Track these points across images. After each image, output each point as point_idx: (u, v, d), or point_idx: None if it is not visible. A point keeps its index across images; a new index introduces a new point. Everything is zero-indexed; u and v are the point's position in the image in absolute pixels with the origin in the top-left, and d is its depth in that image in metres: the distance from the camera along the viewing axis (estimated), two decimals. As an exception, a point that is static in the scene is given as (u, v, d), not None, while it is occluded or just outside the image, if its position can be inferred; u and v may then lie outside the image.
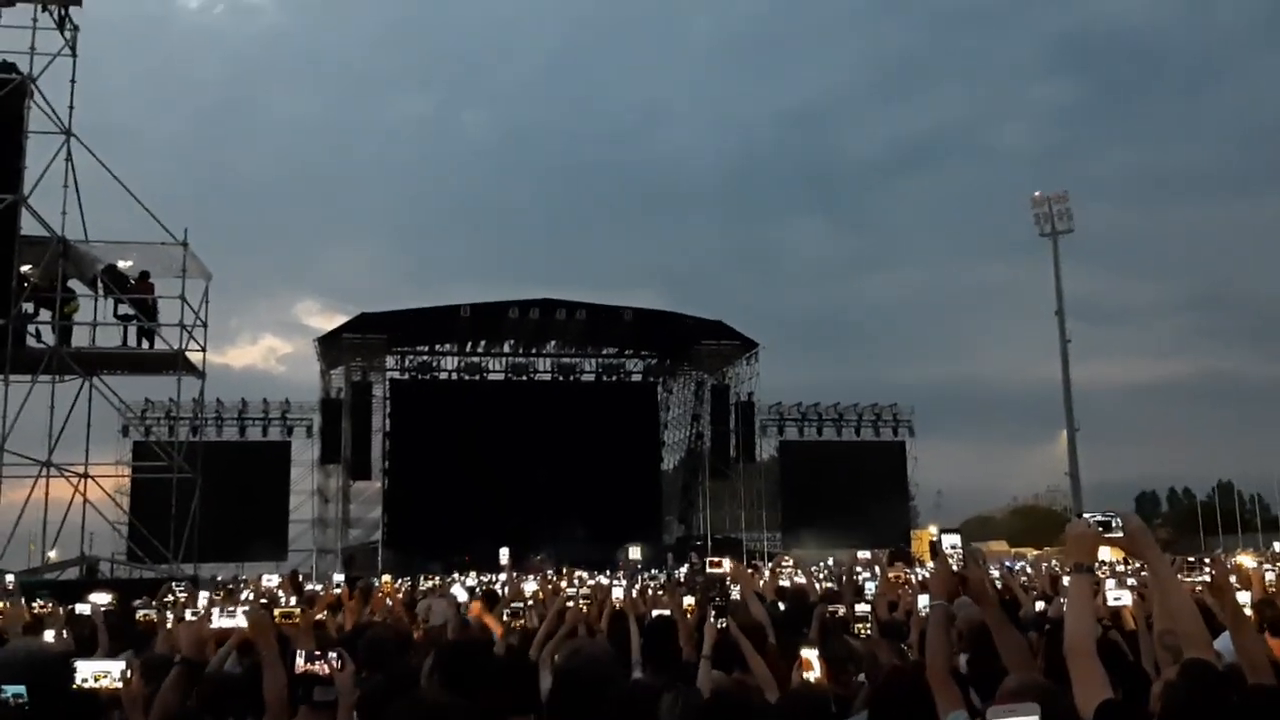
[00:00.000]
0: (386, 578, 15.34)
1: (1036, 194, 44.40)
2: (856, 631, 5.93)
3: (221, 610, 5.26)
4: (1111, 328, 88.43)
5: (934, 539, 37.60)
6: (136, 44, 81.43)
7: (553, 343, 41.32)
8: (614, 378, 43.06)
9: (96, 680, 3.95)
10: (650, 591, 12.38)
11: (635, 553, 32.40)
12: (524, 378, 41.36)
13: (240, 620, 5.01)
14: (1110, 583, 6.24)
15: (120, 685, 3.98)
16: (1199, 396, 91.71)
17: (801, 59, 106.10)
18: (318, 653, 3.91)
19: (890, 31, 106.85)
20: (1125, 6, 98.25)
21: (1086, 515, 2.96)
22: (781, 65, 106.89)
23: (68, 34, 21.54)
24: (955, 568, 4.49)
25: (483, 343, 40.93)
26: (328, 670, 3.86)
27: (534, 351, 41.64)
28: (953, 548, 4.89)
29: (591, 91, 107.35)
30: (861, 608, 6.12)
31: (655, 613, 6.89)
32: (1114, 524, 2.98)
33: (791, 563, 16.90)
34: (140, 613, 8.17)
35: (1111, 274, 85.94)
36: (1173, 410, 77.88)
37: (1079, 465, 42.63)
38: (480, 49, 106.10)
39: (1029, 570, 20.85)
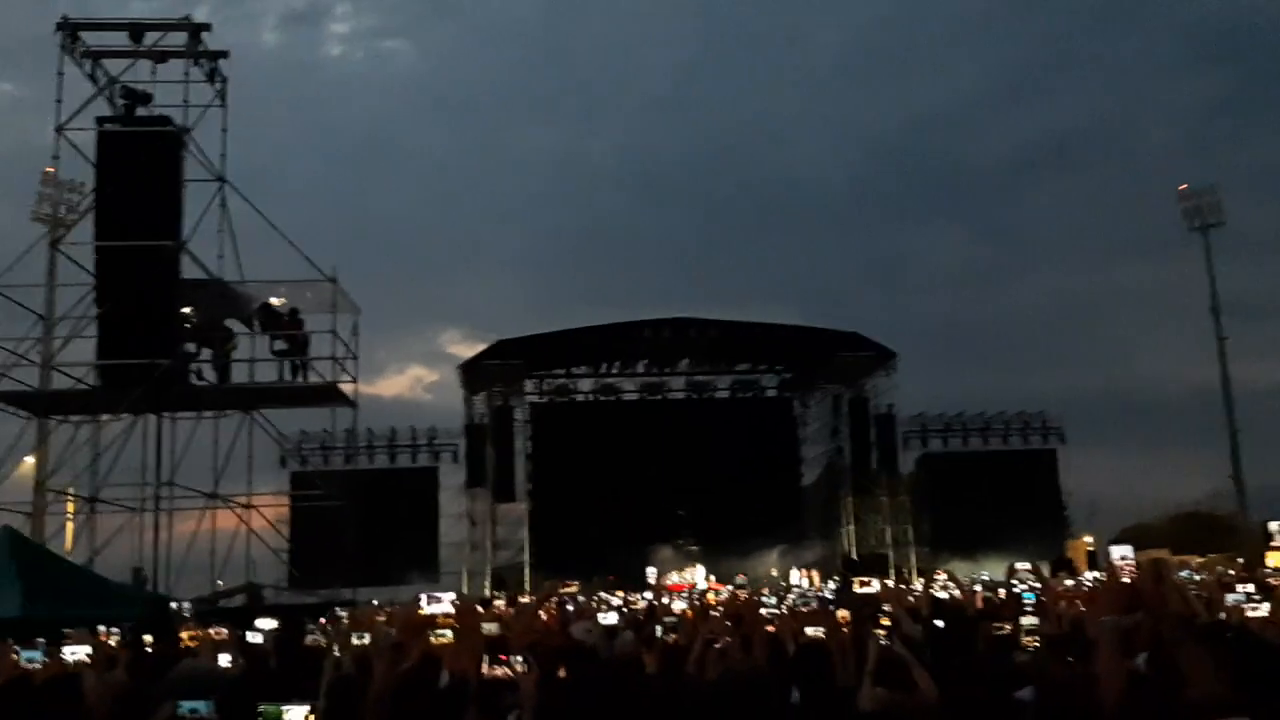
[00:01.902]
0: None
1: (1183, 187, 42.43)
2: (1025, 645, 5.74)
3: (429, 598, 5.45)
4: (1271, 323, 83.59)
5: (1090, 548, 36.18)
6: (283, 92, 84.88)
7: (685, 361, 41.32)
8: (749, 394, 42.85)
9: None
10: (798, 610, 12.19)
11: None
12: (658, 397, 41.46)
13: (447, 606, 5.17)
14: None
15: None
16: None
17: (930, 63, 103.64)
18: (503, 657, 3.98)
19: (1023, 29, 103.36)
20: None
21: None
22: (909, 71, 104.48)
23: (217, 85, 22.68)
24: (1127, 580, 4.32)
25: (617, 364, 41.27)
26: (513, 674, 3.94)
27: (667, 370, 41.72)
28: (1123, 559, 4.72)
29: (716, 111, 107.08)
30: (1028, 620, 5.92)
31: (809, 630, 6.80)
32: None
33: (945, 576, 16.43)
34: (309, 638, 8.47)
35: (1268, 268, 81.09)
36: (1344, 406, 72.93)
37: (1242, 469, 40.26)
38: (605, 78, 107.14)
39: (1195, 578, 19.82)
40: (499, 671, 3.94)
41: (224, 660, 7.32)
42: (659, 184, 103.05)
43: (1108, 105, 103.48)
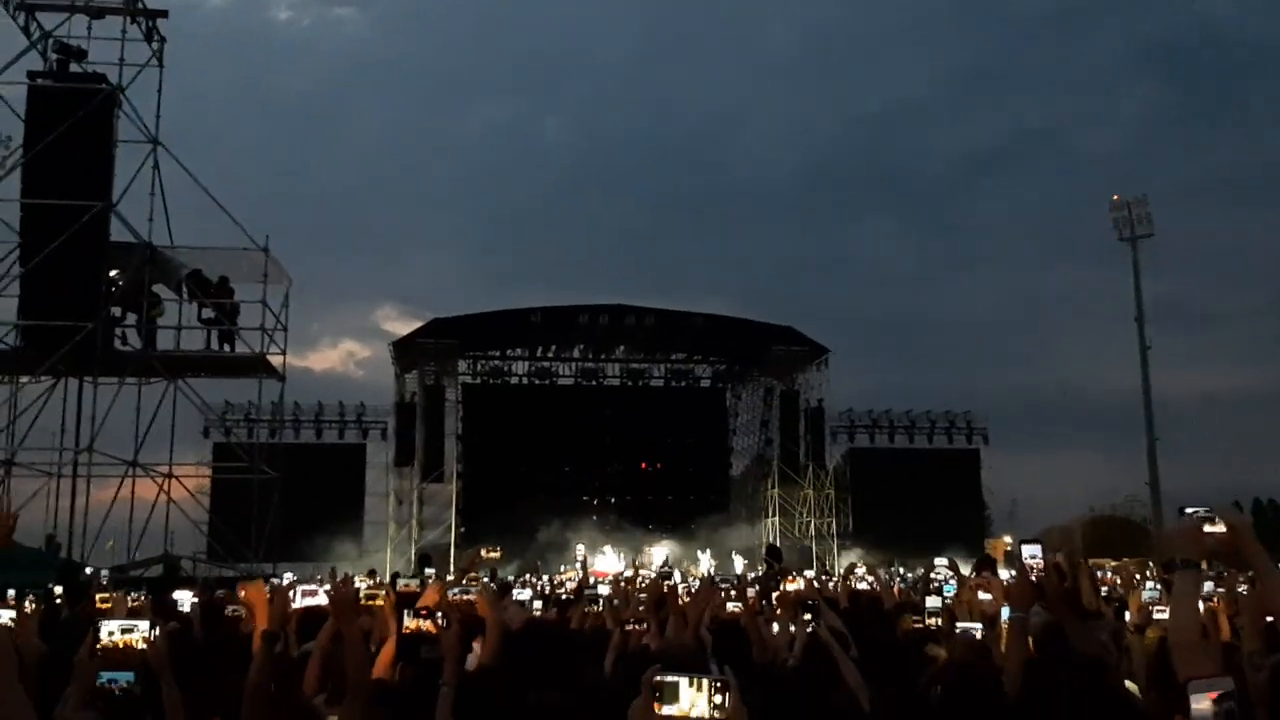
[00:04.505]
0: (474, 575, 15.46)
1: (1115, 197, 43.38)
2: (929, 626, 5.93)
3: (303, 591, 5.33)
4: (1195, 334, 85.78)
5: (1009, 548, 36.90)
6: (225, 55, 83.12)
7: (622, 348, 41.46)
8: (683, 383, 43.16)
9: (124, 633, 4.12)
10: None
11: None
12: (593, 382, 41.51)
13: (322, 599, 5.06)
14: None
15: (144, 645, 4.12)
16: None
17: (880, 64, 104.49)
18: (424, 610, 3.99)
19: (970, 36, 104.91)
20: (1211, 7, 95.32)
21: (1189, 510, 2.89)
22: (859, 70, 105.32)
23: (155, 45, 22.23)
24: (1034, 578, 4.48)
25: (553, 347, 41.25)
26: (434, 628, 3.95)
27: (603, 356, 41.82)
28: (1032, 557, 4.87)
29: (669, 98, 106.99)
30: (932, 602, 6.08)
31: (729, 606, 6.93)
32: (1214, 518, 2.90)
33: (864, 569, 16.76)
34: (229, 609, 8.40)
35: (1195, 280, 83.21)
36: (1259, 418, 75.04)
37: (1159, 475, 41.44)
38: (561, 57, 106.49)
39: (1118, 580, 20.33)
40: (417, 624, 3.96)
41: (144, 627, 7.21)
42: (606, 169, 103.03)
43: (1050, 112, 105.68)
